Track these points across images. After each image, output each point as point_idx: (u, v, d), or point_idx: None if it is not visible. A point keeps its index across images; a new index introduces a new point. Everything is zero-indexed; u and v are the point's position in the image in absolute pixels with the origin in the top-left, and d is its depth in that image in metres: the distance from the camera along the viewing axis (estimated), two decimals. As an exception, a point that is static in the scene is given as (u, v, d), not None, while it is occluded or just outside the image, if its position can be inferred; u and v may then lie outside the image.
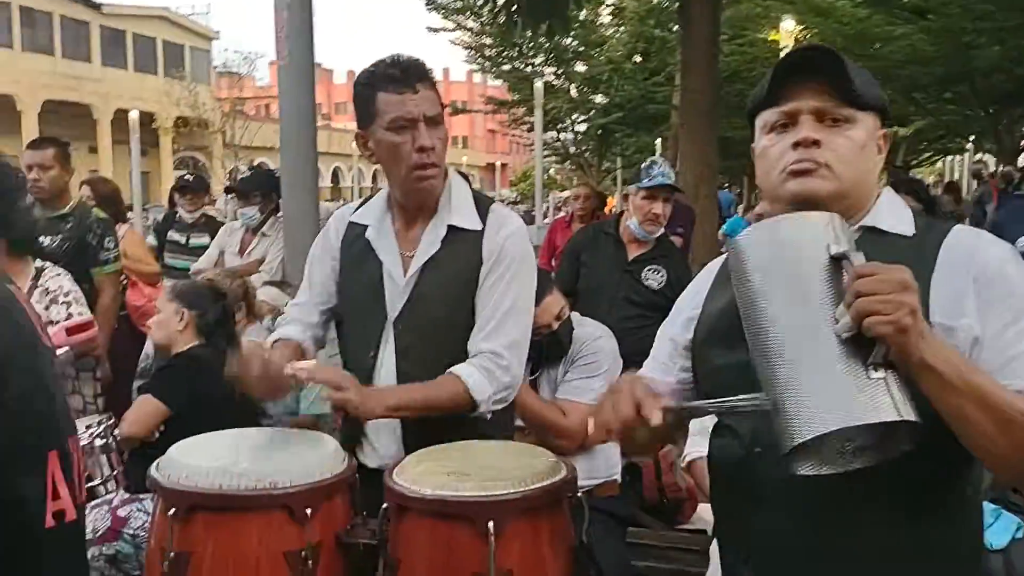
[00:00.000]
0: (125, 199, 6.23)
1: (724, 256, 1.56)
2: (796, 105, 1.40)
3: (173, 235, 5.83)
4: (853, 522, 1.34)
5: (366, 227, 2.19)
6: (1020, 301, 1.30)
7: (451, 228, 2.12)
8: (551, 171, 37.80)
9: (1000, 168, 16.66)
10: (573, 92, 23.66)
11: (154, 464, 1.77)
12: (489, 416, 2.09)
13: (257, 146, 30.58)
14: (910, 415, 1.15)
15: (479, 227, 2.13)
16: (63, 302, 3.36)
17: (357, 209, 2.28)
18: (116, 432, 2.82)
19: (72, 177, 4.38)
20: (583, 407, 2.74)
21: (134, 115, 13.11)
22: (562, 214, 9.64)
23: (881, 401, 1.15)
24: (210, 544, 1.64)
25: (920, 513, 1.34)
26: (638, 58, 22.22)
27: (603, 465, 2.87)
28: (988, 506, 2.60)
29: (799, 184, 1.39)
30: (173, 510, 1.65)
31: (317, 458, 1.78)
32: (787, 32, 16.50)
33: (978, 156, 22.75)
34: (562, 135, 25.11)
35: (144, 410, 2.88)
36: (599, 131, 23.56)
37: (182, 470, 1.70)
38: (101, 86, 33.88)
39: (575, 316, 2.97)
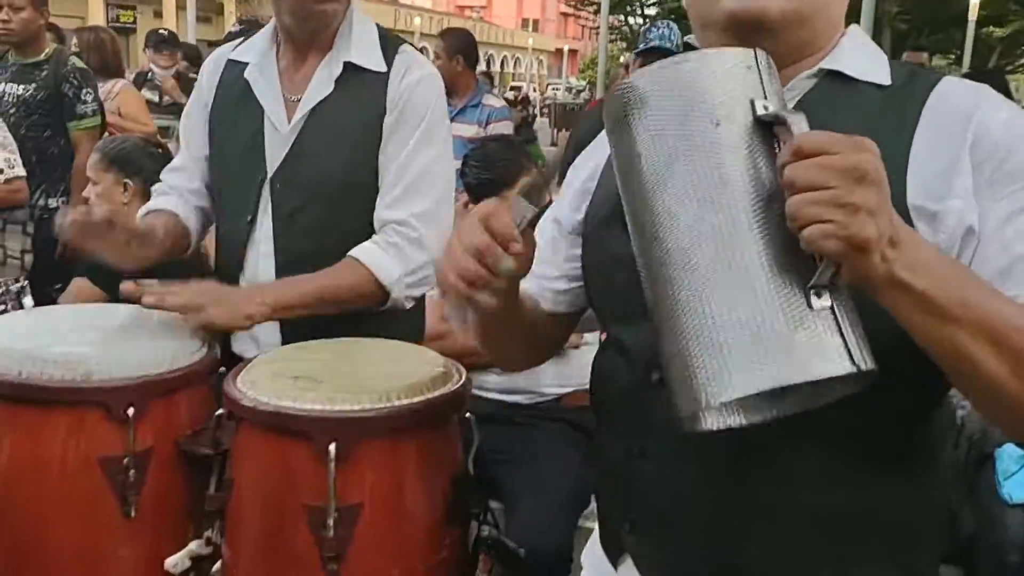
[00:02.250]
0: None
1: None
2: None
3: (146, 93, 5.60)
4: (778, 479, 0.97)
5: (247, 65, 1.81)
6: None
7: (348, 66, 1.75)
8: (621, 59, 36.45)
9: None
10: (646, -28, 22.46)
11: None
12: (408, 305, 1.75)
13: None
14: (868, 362, 0.77)
15: (383, 69, 1.76)
16: None
17: (239, 45, 1.88)
18: (25, 301, 2.53)
19: (47, 20, 4.04)
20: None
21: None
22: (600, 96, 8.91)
23: (827, 344, 0.77)
24: (7, 441, 1.35)
25: (867, 466, 0.97)
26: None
27: (576, 371, 2.54)
28: (1013, 451, 2.19)
29: (741, 0, 0.96)
30: (-31, 399, 1.35)
31: (157, 348, 1.45)
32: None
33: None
34: (630, 19, 23.94)
35: (78, 296, 2.57)
36: (671, 15, 22.38)
37: (-13, 351, 1.39)
38: (167, -53, 33.25)
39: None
